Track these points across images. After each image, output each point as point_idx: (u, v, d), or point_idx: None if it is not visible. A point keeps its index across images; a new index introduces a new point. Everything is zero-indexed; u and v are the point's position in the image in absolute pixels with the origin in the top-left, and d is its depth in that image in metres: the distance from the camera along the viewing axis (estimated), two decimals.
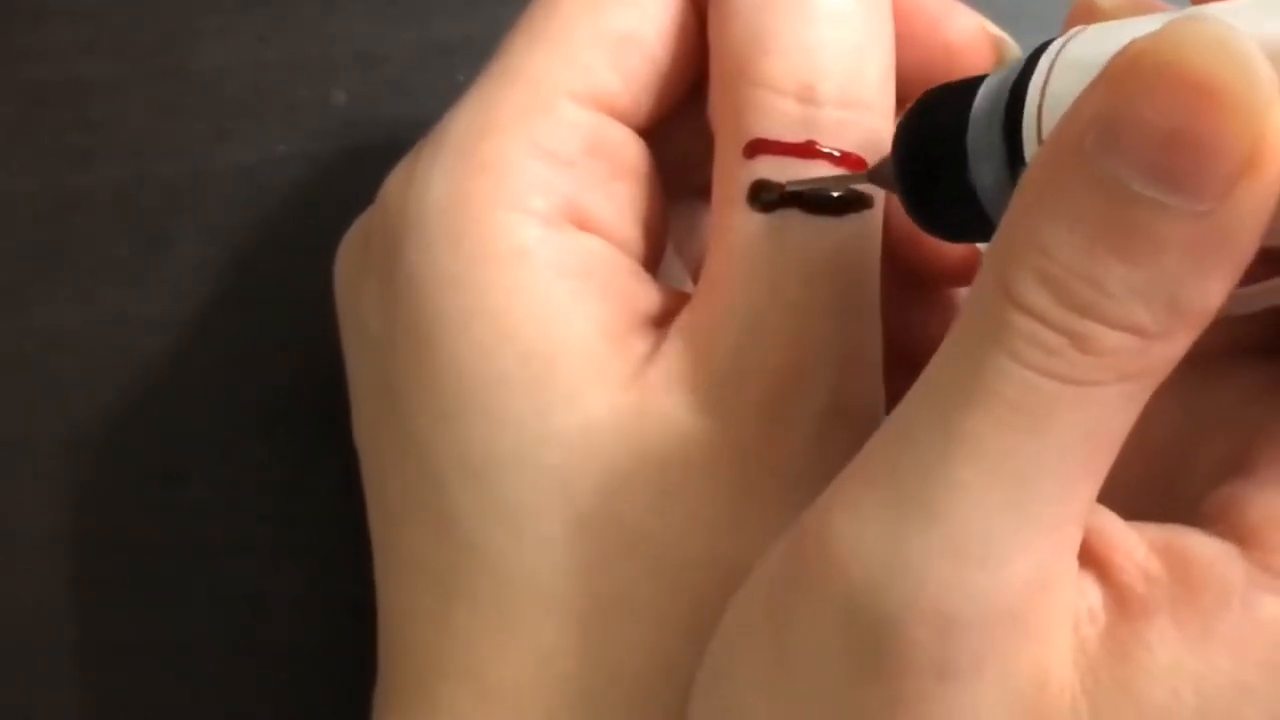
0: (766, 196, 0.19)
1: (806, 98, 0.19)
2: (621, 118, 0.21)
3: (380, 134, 0.31)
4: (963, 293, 0.23)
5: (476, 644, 0.19)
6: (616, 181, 0.21)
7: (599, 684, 0.19)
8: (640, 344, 0.20)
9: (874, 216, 0.20)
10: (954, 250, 0.22)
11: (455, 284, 0.19)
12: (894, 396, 0.23)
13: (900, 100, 0.21)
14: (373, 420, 0.22)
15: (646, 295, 0.21)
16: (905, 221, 0.20)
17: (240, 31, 0.31)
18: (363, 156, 0.31)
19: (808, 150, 0.19)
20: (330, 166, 0.31)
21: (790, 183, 0.19)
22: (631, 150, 0.21)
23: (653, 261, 0.22)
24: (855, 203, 0.20)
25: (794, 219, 0.19)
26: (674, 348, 0.20)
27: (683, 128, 0.22)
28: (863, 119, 0.20)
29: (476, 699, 0.19)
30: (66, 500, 0.29)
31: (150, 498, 0.29)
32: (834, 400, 0.19)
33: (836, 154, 0.19)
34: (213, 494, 0.29)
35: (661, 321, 0.20)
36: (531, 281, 0.19)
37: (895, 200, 0.21)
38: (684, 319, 0.20)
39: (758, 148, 0.19)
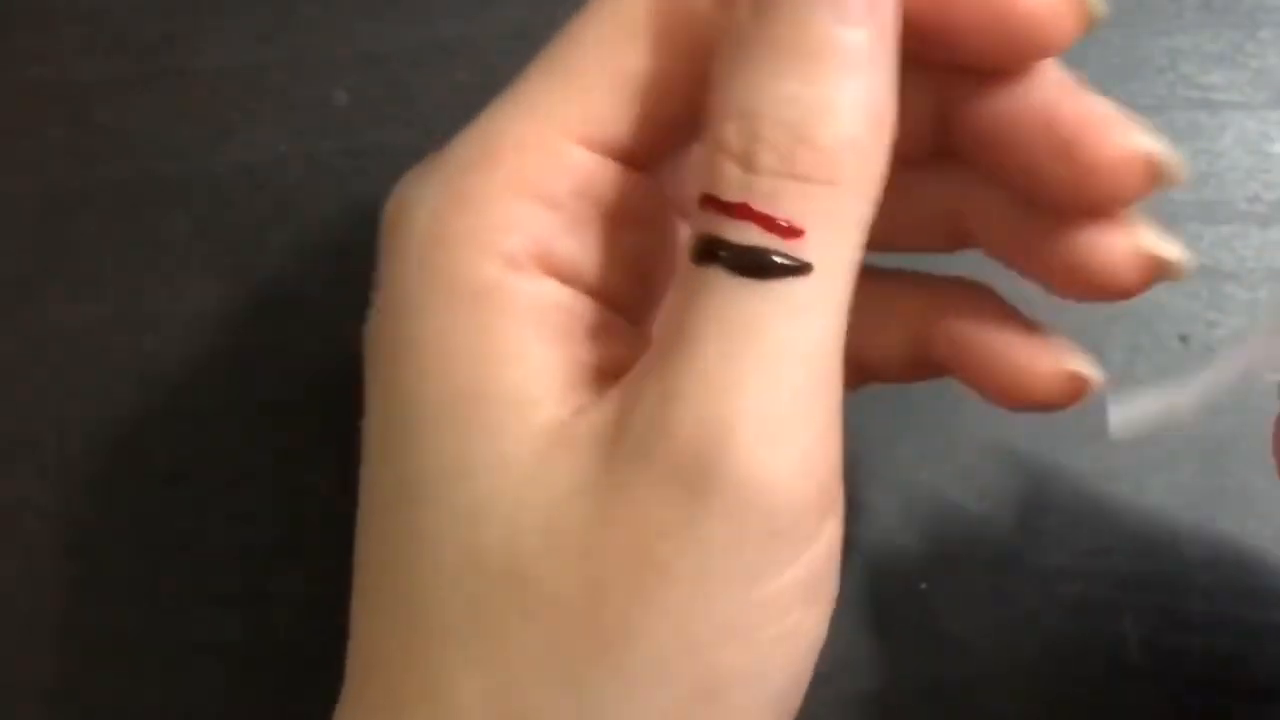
0: (701, 249, 0.19)
1: (748, 165, 0.19)
2: (626, 159, 0.21)
3: (380, 134, 0.31)
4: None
5: (387, 661, 0.20)
6: (606, 226, 0.21)
7: (476, 714, 0.19)
8: (584, 395, 0.20)
9: (818, 284, 0.19)
10: None
11: (414, 312, 0.20)
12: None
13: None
14: (363, 427, 0.22)
15: (610, 346, 0.20)
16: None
17: (240, 31, 0.32)
18: (363, 156, 0.31)
19: (742, 211, 0.19)
20: (330, 166, 0.31)
21: (715, 238, 0.19)
22: (630, 195, 0.21)
23: (643, 309, 0.22)
24: (785, 269, 0.19)
25: (718, 278, 0.19)
26: (608, 401, 0.19)
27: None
28: (802, 191, 0.19)
29: (388, 713, 0.20)
30: (67, 500, 0.30)
31: (150, 498, 0.29)
32: (747, 474, 0.18)
33: (775, 219, 0.18)
34: (213, 494, 0.29)
35: (624, 373, 0.20)
36: (478, 321, 0.19)
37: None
38: (630, 374, 0.20)
39: (705, 203, 0.19)
